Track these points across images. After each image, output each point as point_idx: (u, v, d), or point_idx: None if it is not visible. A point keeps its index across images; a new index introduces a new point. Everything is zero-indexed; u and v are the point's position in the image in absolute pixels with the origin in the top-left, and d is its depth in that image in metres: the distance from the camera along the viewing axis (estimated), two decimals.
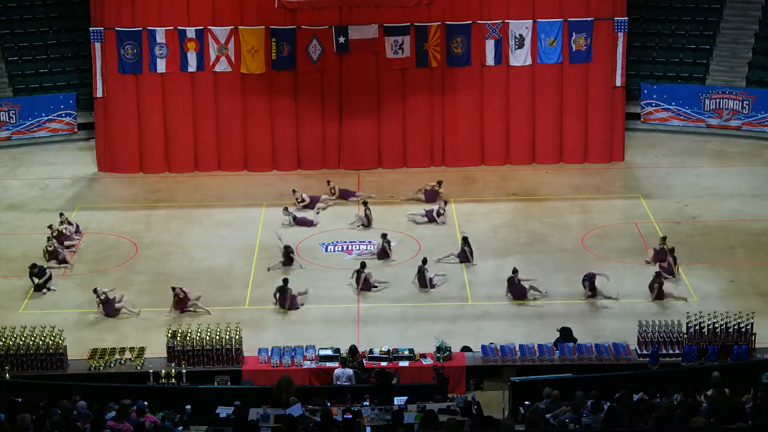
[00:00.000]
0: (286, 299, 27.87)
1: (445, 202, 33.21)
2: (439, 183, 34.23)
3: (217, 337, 24.47)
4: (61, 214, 31.88)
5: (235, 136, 37.16)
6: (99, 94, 36.75)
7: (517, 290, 28.18)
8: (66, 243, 30.69)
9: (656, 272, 28.45)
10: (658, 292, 27.96)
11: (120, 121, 36.85)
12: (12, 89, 39.57)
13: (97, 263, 30.21)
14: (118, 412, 19.03)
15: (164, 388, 23.06)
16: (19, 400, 19.72)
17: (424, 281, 28.85)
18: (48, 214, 32.31)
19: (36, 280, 28.76)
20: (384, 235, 30.78)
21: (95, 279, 29.38)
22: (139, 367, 24.19)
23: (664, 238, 30.08)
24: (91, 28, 36.50)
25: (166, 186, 36.31)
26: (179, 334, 24.49)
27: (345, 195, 34.37)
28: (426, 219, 32.65)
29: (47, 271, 29.11)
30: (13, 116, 38.93)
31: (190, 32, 36.19)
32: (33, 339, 24.36)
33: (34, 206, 34.23)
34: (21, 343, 24.29)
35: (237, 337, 24.52)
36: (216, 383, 23.95)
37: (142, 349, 24.69)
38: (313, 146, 36.90)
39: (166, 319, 27.01)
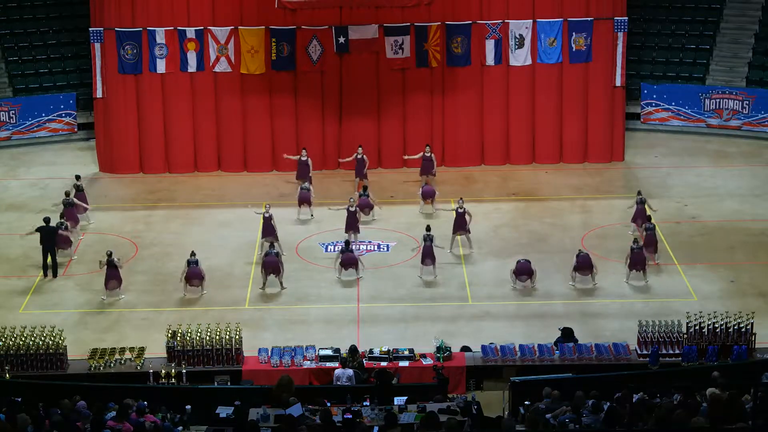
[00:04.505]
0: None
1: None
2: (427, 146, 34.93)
3: (217, 337, 24.46)
4: (78, 177, 33.20)
5: (235, 136, 37.15)
6: (99, 94, 36.74)
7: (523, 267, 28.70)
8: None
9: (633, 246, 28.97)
10: (632, 261, 28.73)
11: (120, 122, 36.84)
12: (12, 89, 39.56)
13: (97, 263, 30.14)
14: (118, 412, 19.03)
15: (164, 388, 23.06)
16: (19, 400, 19.71)
17: (431, 251, 29.08)
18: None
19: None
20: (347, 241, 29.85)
21: (95, 279, 29.38)
22: (139, 367, 24.17)
23: (639, 192, 31.50)
24: (91, 29, 36.49)
25: (166, 186, 36.32)
26: (179, 334, 24.49)
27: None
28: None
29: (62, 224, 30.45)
30: (13, 116, 38.92)
31: (190, 32, 36.19)
32: (33, 339, 24.35)
33: (34, 206, 34.21)
34: (21, 343, 24.28)
35: (237, 337, 24.51)
36: (216, 383, 23.94)
37: (142, 349, 24.68)
38: (313, 146, 36.85)
39: (166, 319, 27.03)
